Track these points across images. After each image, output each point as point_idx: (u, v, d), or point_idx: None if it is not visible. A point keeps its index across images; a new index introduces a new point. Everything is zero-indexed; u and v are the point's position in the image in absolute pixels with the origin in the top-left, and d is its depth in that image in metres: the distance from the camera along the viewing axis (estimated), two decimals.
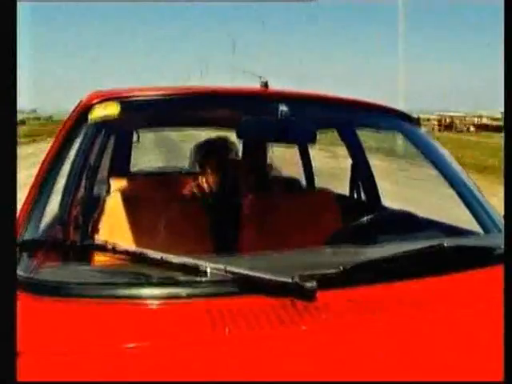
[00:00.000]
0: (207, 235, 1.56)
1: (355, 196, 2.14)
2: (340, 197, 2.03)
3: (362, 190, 2.14)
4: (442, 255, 1.05)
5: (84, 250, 1.06)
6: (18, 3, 0.81)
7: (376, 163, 2.74)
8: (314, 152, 2.66)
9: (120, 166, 2.66)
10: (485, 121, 40.75)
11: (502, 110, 1.12)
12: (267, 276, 0.90)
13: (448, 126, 38.98)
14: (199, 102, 1.54)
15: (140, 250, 0.96)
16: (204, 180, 1.93)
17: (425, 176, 2.35)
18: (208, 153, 1.96)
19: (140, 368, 0.74)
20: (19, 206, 1.05)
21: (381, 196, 2.22)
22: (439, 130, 34.93)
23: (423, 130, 1.72)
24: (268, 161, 2.20)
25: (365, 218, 1.31)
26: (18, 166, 0.83)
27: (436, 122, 39.16)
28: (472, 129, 37.94)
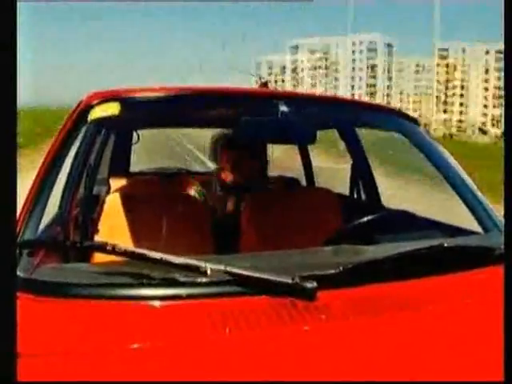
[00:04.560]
0: (207, 235, 1.56)
1: (355, 195, 2.15)
2: (340, 196, 2.03)
3: (361, 189, 2.15)
4: (442, 255, 1.05)
5: (84, 250, 1.06)
6: (18, 3, 0.81)
7: None
8: None
9: (120, 166, 2.67)
10: None
11: None
12: (267, 276, 0.90)
13: None
14: (199, 101, 1.54)
15: (140, 250, 0.95)
16: (229, 160, 1.95)
17: None
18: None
19: (140, 368, 0.74)
20: (19, 205, 1.05)
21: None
22: None
23: (422, 129, 1.72)
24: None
25: (365, 218, 1.31)
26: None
27: None
28: None
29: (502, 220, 1.22)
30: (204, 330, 0.82)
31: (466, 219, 1.44)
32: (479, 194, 1.46)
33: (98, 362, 0.75)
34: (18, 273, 0.93)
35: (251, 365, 0.76)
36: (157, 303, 0.89)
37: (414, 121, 1.70)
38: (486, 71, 67.58)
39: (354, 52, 70.06)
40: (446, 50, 69.52)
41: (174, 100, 1.51)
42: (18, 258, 0.97)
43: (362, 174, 2.17)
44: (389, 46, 70.11)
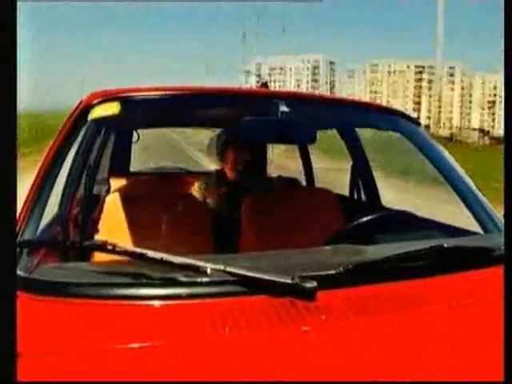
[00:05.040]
0: (207, 235, 1.56)
1: (355, 196, 2.14)
2: (340, 196, 2.03)
3: (361, 189, 2.15)
4: (442, 255, 1.05)
5: (84, 249, 1.06)
6: (18, 3, 0.81)
7: None
8: None
9: (120, 166, 2.68)
10: None
11: None
12: (267, 276, 0.90)
13: None
14: (199, 101, 1.54)
15: (140, 249, 0.95)
16: (229, 160, 1.96)
17: None
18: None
19: (140, 368, 0.74)
20: (19, 205, 1.04)
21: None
22: None
23: (423, 129, 1.72)
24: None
25: (365, 218, 1.31)
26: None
27: None
28: None
29: (502, 220, 1.22)
30: (204, 329, 0.82)
31: (466, 219, 1.45)
32: (480, 194, 1.46)
33: (98, 362, 0.75)
34: (18, 272, 0.93)
35: (251, 364, 0.76)
36: (157, 303, 0.89)
37: (415, 122, 1.70)
38: (407, 82, 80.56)
39: (302, 69, 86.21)
40: (376, 65, 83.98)
41: (174, 100, 1.51)
42: (18, 258, 0.97)
43: (361, 174, 2.17)
44: (331, 63, 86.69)
